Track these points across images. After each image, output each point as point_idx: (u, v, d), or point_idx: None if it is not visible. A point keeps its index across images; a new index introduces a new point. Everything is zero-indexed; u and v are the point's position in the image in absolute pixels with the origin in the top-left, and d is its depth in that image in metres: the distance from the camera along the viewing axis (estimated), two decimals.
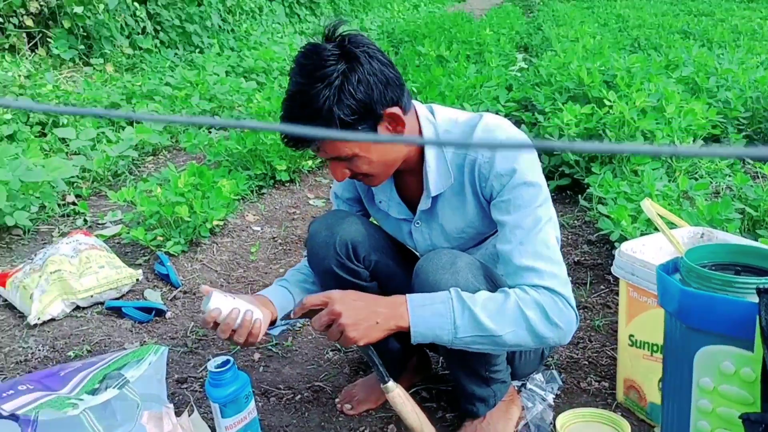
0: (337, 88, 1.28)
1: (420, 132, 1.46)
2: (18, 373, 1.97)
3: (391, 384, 1.47)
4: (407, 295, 1.37)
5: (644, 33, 7.39)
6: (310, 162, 3.83)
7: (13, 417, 1.50)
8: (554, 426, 1.62)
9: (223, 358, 1.55)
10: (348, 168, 1.40)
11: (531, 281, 1.34)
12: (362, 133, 1.31)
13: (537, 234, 1.36)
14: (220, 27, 7.93)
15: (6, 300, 2.38)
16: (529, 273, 1.34)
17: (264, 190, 3.60)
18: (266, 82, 6.06)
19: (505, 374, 1.59)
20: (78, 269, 2.34)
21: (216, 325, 1.40)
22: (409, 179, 1.55)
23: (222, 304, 1.40)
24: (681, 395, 1.14)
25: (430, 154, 1.46)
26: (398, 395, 1.47)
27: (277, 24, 9.69)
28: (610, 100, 3.38)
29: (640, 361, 1.62)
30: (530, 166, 1.38)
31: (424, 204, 1.52)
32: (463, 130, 1.45)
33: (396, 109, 1.35)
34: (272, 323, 1.57)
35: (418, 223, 1.58)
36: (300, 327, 2.20)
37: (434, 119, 1.48)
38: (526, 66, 6.43)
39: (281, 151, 3.59)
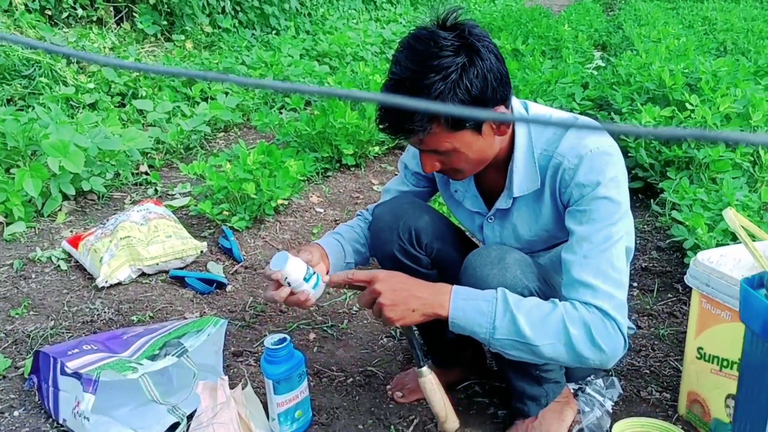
0: (453, 82, 1.22)
1: (513, 128, 1.41)
2: (84, 333, 2.04)
3: (425, 369, 1.48)
4: (455, 286, 1.34)
5: (732, 37, 7.01)
6: (377, 148, 3.82)
7: (76, 375, 1.56)
8: None
9: (280, 335, 1.57)
10: (441, 161, 1.36)
11: (584, 298, 1.29)
12: (482, 111, 1.26)
13: (604, 252, 1.30)
14: (297, 10, 8.01)
15: (77, 261, 2.47)
16: (585, 289, 1.29)
17: (329, 173, 3.61)
18: (339, 66, 6.08)
19: (558, 374, 1.54)
20: (146, 237, 2.41)
21: (276, 284, 1.36)
22: (490, 174, 1.48)
23: (291, 274, 1.35)
24: (756, 416, 1.08)
25: (520, 153, 1.40)
26: (430, 381, 1.48)
27: (353, 10, 9.70)
28: (692, 104, 3.24)
29: (707, 375, 1.54)
30: (615, 183, 1.32)
31: (503, 203, 1.48)
32: (555, 131, 1.39)
33: (503, 109, 1.31)
34: None
35: (491, 219, 1.54)
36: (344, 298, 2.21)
37: (527, 115, 1.44)
38: (603, 64, 6.24)
39: (349, 135, 3.60)
